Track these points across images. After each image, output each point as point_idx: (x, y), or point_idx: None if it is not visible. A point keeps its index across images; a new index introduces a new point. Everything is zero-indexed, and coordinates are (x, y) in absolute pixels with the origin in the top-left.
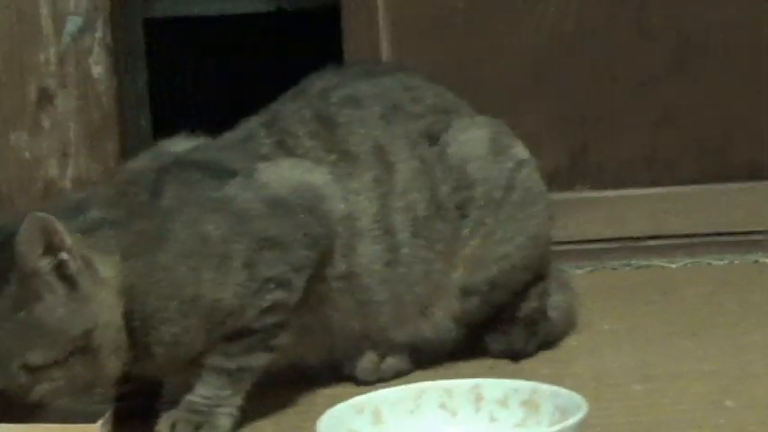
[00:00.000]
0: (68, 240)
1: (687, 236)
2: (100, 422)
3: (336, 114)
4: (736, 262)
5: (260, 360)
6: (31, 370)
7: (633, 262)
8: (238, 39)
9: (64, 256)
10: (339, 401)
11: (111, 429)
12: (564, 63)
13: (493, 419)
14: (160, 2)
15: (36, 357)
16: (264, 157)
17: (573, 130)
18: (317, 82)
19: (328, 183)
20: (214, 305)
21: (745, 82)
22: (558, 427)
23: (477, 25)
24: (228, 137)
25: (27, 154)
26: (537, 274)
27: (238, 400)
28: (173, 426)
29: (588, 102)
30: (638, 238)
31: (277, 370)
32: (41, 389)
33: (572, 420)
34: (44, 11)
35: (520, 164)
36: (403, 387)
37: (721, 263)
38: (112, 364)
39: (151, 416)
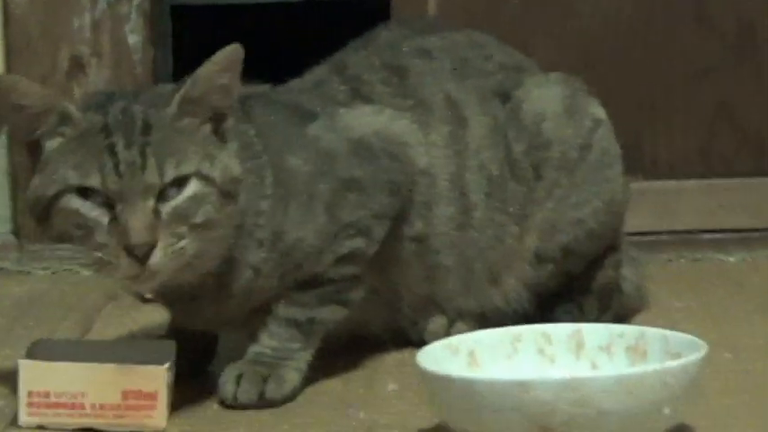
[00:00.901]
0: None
1: (743, 230)
2: (167, 365)
3: (408, 64)
4: None
5: (332, 314)
6: (202, 180)
7: (687, 254)
8: (267, 27)
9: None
10: (407, 365)
11: (173, 377)
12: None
13: (594, 367)
14: None
15: (208, 169)
16: (342, 103)
17: (626, 118)
18: (384, 33)
19: (411, 131)
20: (295, 244)
21: None
22: (682, 361)
23: (531, 7)
24: (297, 83)
25: None
26: (612, 243)
27: (308, 356)
28: (238, 377)
29: (643, 90)
30: (691, 232)
31: (340, 336)
32: (206, 209)
33: (694, 356)
34: None
35: (597, 123)
36: (499, 330)
37: None
38: (231, 228)
39: (206, 374)
